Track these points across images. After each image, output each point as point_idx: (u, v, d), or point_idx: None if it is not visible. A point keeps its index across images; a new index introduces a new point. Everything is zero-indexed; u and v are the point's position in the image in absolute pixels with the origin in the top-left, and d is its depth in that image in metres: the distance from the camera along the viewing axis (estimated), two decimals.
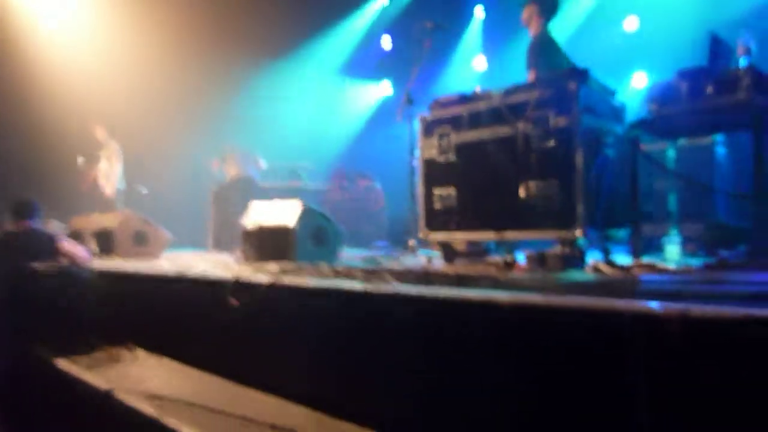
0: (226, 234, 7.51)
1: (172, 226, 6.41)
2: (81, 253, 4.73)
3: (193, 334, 3.43)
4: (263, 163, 8.05)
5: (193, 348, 3.43)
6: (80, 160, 7.91)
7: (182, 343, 3.54)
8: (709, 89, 3.25)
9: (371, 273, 2.77)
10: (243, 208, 6.52)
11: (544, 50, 4.56)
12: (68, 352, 3.80)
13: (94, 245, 5.61)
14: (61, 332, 4.13)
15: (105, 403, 2.87)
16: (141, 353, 3.72)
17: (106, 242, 5.49)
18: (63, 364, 3.60)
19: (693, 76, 3.34)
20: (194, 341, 3.42)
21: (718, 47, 3.46)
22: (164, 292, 3.78)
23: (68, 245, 4.72)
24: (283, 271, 3.14)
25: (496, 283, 2.36)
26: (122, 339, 3.89)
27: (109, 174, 7.96)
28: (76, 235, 5.84)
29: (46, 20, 8.18)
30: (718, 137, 4.78)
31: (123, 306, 4.16)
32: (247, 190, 7.71)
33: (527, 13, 4.69)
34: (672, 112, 3.44)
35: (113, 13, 8.30)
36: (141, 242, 5.65)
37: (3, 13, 7.73)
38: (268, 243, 4.49)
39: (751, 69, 3.18)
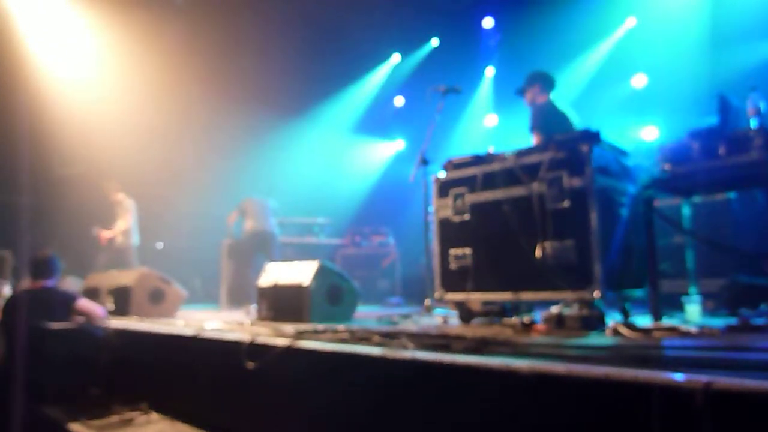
0: (240, 290, 7.51)
1: (186, 282, 6.44)
2: (98, 311, 4.76)
3: (207, 396, 3.40)
4: (274, 203, 8.06)
5: (208, 410, 3.39)
6: (95, 229, 8.05)
7: (197, 405, 3.50)
8: (722, 149, 3.28)
9: (389, 336, 2.75)
10: (258, 262, 6.56)
11: (549, 115, 4.69)
12: (81, 414, 3.77)
13: (110, 303, 5.63)
14: (74, 394, 4.11)
15: None
16: (155, 416, 3.68)
17: (122, 300, 5.51)
18: (76, 427, 3.57)
19: (704, 136, 3.38)
20: (209, 403, 3.39)
21: (727, 108, 3.51)
22: (179, 353, 3.77)
23: (85, 304, 4.75)
24: (299, 333, 3.13)
25: (515, 349, 2.34)
26: (137, 400, 3.85)
27: (126, 230, 8.06)
28: (93, 292, 5.88)
29: (64, 75, 8.48)
30: (733, 194, 4.78)
31: (138, 366, 4.15)
32: (262, 244, 7.75)
33: (530, 94, 4.92)
34: (685, 171, 3.46)
35: (132, 71, 8.59)
36: (157, 300, 5.66)
37: (21, 68, 8.04)
38: (283, 302, 4.49)
39: (763, 129, 3.22)
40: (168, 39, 8.50)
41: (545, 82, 4.97)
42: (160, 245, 9.79)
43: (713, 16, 6.90)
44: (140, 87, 8.65)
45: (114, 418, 3.64)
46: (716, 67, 6.53)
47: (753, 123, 3.44)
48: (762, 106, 3.55)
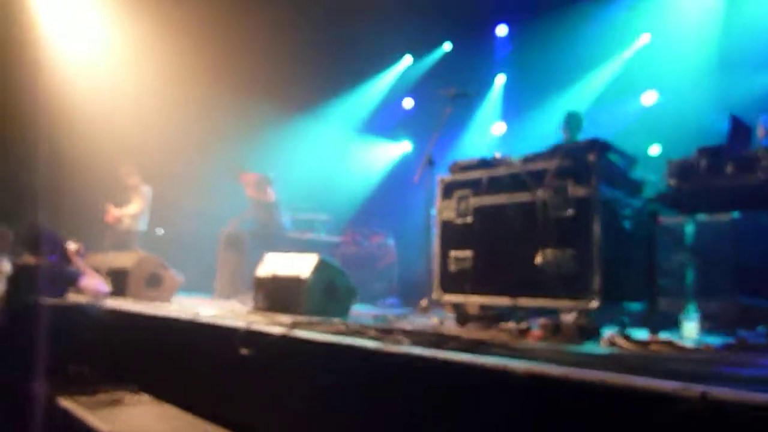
0: (236, 281, 7.50)
1: (183, 269, 6.43)
2: (100, 288, 4.77)
3: (199, 381, 3.39)
4: (272, 195, 7.98)
5: (198, 395, 3.38)
6: (108, 204, 8.03)
7: (187, 388, 3.49)
8: (729, 168, 3.28)
9: (384, 332, 2.75)
10: (256, 254, 6.54)
11: None
12: (72, 391, 3.76)
13: (107, 284, 5.63)
14: (65, 370, 4.10)
15: None
16: (144, 397, 3.67)
17: (119, 282, 5.50)
18: (66, 403, 3.56)
19: (713, 154, 3.38)
20: (200, 388, 3.38)
21: (737, 127, 3.51)
22: (174, 336, 3.77)
23: (89, 282, 4.77)
24: (296, 324, 3.13)
25: (511, 351, 2.33)
26: (128, 381, 3.85)
27: (135, 215, 8.06)
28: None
29: (78, 54, 8.49)
30: (737, 214, 4.77)
31: (130, 347, 4.14)
32: (263, 237, 7.74)
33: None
34: (691, 187, 3.46)
35: (144, 56, 8.60)
36: (154, 284, 5.66)
37: (34, 47, 8.04)
38: (280, 293, 4.48)
39: None
40: (182, 25, 8.49)
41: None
42: (160, 231, 9.77)
43: (726, 38, 6.90)
44: (151, 72, 8.64)
45: (103, 396, 3.64)
46: (726, 90, 6.53)
47: (762, 144, 3.44)
48: None
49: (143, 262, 5.71)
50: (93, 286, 4.74)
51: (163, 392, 3.63)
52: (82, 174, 8.24)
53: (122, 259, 5.86)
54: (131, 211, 8.03)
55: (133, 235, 8.04)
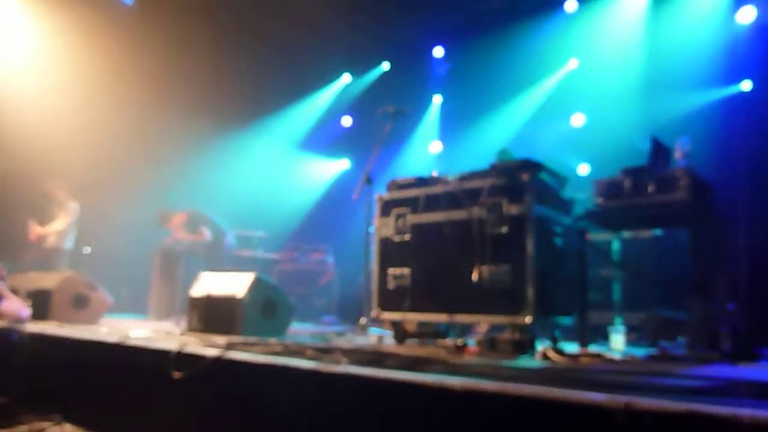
0: (171, 301, 7.25)
1: (113, 290, 6.16)
2: (21, 313, 4.50)
3: (128, 408, 3.24)
4: (207, 234, 7.70)
5: (128, 422, 3.23)
6: (31, 221, 7.59)
7: (116, 416, 3.33)
8: (651, 187, 3.47)
9: (323, 351, 2.72)
10: (190, 273, 6.36)
11: None
12: None
13: (28, 307, 5.31)
14: None
15: None
16: (68, 427, 3.47)
17: (42, 304, 5.20)
18: None
19: (636, 174, 3.57)
20: (129, 415, 3.23)
21: (657, 149, 3.73)
22: (101, 361, 3.59)
23: (6, 306, 4.49)
24: (231, 345, 3.05)
25: (448, 368, 2.36)
26: (49, 410, 3.63)
27: (60, 232, 7.65)
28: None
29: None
30: (659, 231, 5.05)
31: (53, 374, 3.91)
32: (199, 255, 7.52)
33: None
34: (616, 206, 3.64)
35: (69, 65, 8.21)
36: (80, 306, 5.38)
37: None
38: (215, 313, 4.36)
39: (689, 171, 3.44)
40: (112, 37, 8.21)
41: None
42: (87, 250, 9.34)
43: (647, 64, 7.34)
44: (77, 83, 8.25)
45: (22, 429, 3.41)
46: (648, 112, 6.93)
47: (680, 165, 3.67)
48: (689, 150, 3.80)
49: (68, 282, 5.42)
50: (11, 311, 4.47)
51: (90, 421, 3.45)
52: (3, 191, 7.79)
53: (45, 280, 5.54)
54: (56, 228, 7.63)
55: (59, 254, 7.63)
